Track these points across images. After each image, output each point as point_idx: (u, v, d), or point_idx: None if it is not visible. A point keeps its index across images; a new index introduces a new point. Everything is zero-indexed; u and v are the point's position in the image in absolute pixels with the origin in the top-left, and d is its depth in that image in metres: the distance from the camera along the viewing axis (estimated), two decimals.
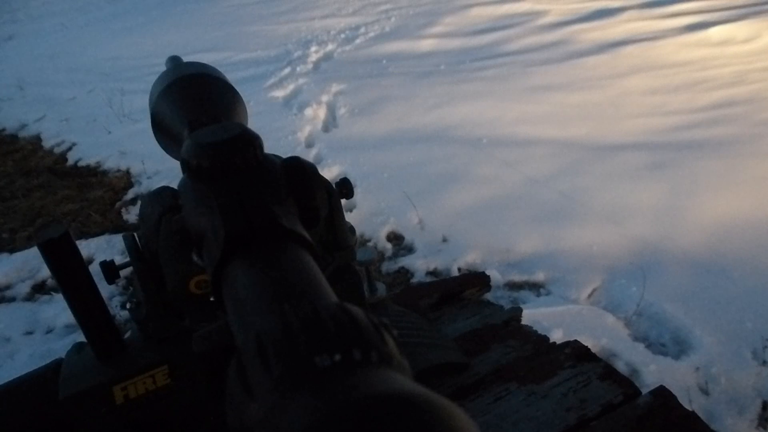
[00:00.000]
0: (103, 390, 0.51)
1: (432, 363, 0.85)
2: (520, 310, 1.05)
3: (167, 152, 0.65)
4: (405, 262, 2.58)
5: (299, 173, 0.48)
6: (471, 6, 5.76)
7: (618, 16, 5.10)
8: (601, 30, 4.86)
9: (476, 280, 1.16)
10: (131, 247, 0.53)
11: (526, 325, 0.99)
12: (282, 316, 0.26)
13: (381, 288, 0.79)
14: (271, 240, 0.39)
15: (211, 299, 0.43)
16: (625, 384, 0.82)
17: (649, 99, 3.63)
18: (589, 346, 0.95)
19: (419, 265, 2.53)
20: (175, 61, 0.69)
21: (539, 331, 0.98)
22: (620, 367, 1.84)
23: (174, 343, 0.54)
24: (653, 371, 1.81)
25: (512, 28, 5.15)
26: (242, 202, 0.41)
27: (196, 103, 0.59)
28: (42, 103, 5.24)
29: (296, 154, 0.52)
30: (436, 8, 5.86)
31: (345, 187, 0.57)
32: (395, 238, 2.75)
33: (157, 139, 0.66)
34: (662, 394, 0.81)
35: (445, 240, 2.66)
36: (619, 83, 3.90)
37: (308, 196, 0.48)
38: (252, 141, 0.48)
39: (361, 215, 2.88)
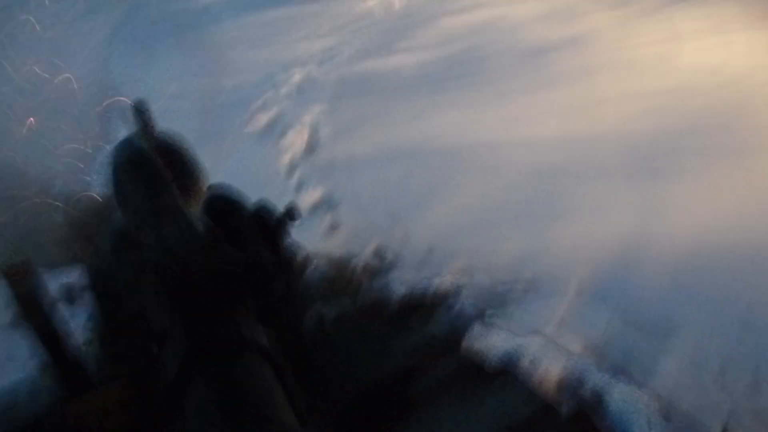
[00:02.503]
0: (58, 410, 0.57)
1: None
2: None
3: (125, 215, 0.71)
4: (390, 275, 2.65)
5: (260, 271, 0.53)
6: (440, 16, 5.82)
7: (588, 12, 5.11)
8: (572, 27, 4.88)
9: None
10: (90, 276, 0.60)
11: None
12: None
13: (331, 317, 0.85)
14: (230, 354, 0.44)
15: None
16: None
17: (631, 101, 3.64)
18: (555, 371, 1.04)
19: (405, 277, 2.61)
20: (140, 110, 0.77)
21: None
22: (585, 392, 1.91)
23: (131, 361, 0.59)
24: (621, 399, 1.89)
25: (483, 34, 5.22)
26: (204, 313, 0.46)
27: (156, 188, 0.66)
28: None
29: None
30: (406, 21, 5.93)
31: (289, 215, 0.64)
32: (380, 253, 2.83)
33: (119, 205, 0.73)
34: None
35: (431, 250, 2.74)
36: (595, 82, 3.92)
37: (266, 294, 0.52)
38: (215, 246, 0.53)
39: (346, 233, 2.95)
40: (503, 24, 5.35)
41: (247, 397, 0.39)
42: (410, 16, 6.10)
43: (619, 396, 1.90)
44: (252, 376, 0.41)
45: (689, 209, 2.72)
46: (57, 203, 4.07)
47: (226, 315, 0.45)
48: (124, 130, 1.05)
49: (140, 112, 0.86)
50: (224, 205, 0.67)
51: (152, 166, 0.73)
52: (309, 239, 2.87)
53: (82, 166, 4.54)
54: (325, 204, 3.27)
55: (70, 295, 0.61)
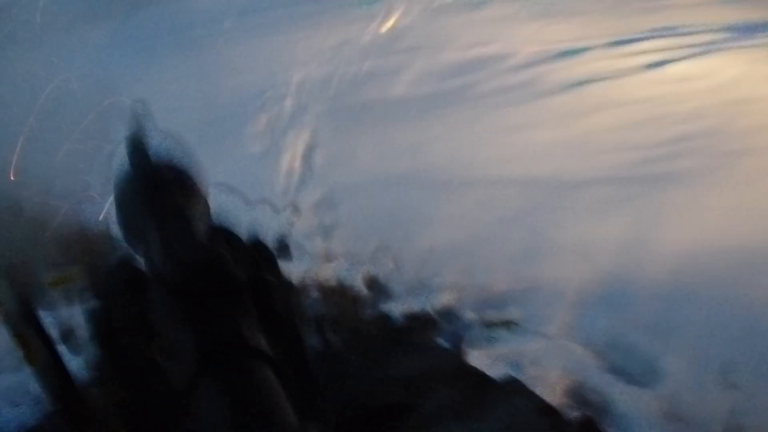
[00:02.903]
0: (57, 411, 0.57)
1: None
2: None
3: (128, 243, 0.71)
4: (382, 306, 2.62)
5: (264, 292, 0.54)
6: (440, 51, 5.68)
7: (582, 56, 5.02)
8: (566, 70, 4.79)
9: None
10: (96, 320, 0.60)
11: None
12: None
13: (335, 339, 0.86)
14: (237, 359, 0.44)
15: None
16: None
17: (613, 135, 3.63)
18: (556, 373, 1.04)
19: (396, 308, 2.57)
20: (140, 111, 0.77)
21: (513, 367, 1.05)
22: (592, 397, 1.92)
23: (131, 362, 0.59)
24: (623, 401, 1.89)
25: (481, 70, 5.09)
26: (207, 317, 0.46)
27: (161, 203, 0.66)
28: None
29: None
30: (406, 56, 5.74)
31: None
32: (372, 282, 2.79)
33: (120, 228, 0.73)
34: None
35: (420, 282, 2.70)
36: (584, 121, 3.88)
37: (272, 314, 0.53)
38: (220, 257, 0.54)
39: (338, 262, 2.91)
40: (504, 62, 5.21)
41: (252, 400, 0.39)
42: (410, 50, 5.95)
43: (620, 396, 1.90)
44: (256, 381, 0.42)
45: (689, 210, 2.73)
46: (57, 203, 4.07)
47: (228, 317, 0.46)
48: (124, 130, 1.05)
49: (140, 112, 0.87)
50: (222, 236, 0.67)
51: (152, 168, 0.73)
52: (307, 255, 2.86)
53: (82, 166, 4.53)
54: (325, 204, 3.27)
55: (70, 297, 0.61)
